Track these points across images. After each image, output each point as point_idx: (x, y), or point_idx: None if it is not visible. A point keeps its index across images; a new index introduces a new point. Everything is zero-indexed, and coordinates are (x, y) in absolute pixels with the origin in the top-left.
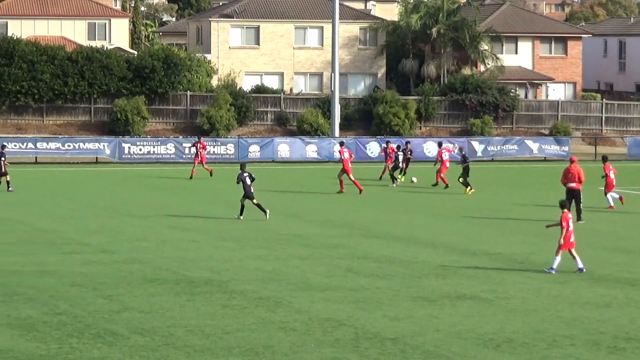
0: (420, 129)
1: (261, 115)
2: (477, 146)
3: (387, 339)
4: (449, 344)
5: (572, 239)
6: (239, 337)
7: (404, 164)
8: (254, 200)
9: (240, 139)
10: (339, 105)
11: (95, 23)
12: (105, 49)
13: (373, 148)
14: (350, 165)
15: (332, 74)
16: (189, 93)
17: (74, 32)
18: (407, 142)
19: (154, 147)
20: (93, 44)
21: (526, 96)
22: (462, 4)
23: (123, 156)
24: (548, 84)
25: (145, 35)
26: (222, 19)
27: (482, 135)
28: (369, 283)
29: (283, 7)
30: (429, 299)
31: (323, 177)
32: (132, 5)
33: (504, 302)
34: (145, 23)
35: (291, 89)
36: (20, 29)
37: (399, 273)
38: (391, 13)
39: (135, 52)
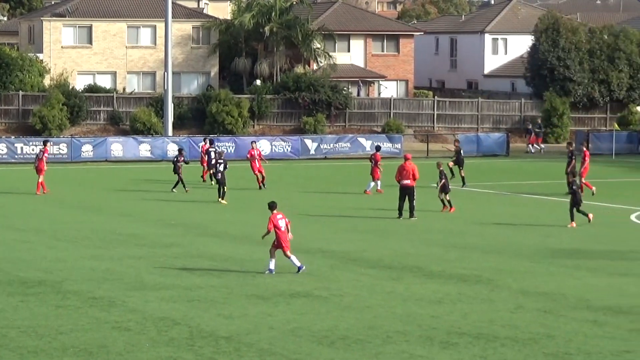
0: (254, 127)
1: (94, 114)
2: (310, 144)
3: (221, 338)
4: (284, 342)
5: (282, 241)
6: (73, 338)
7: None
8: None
9: (73, 139)
10: (172, 104)
11: None
12: None
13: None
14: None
15: (165, 73)
16: (21, 93)
17: None
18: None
19: None
20: None
21: (359, 94)
22: (294, 3)
23: None
24: (380, 82)
25: None
26: (54, 18)
27: (315, 133)
28: (203, 282)
29: (116, 6)
30: (263, 297)
31: (157, 177)
32: None
33: (338, 299)
34: None
35: (124, 89)
36: None
37: (233, 271)
38: (224, 12)
39: None
